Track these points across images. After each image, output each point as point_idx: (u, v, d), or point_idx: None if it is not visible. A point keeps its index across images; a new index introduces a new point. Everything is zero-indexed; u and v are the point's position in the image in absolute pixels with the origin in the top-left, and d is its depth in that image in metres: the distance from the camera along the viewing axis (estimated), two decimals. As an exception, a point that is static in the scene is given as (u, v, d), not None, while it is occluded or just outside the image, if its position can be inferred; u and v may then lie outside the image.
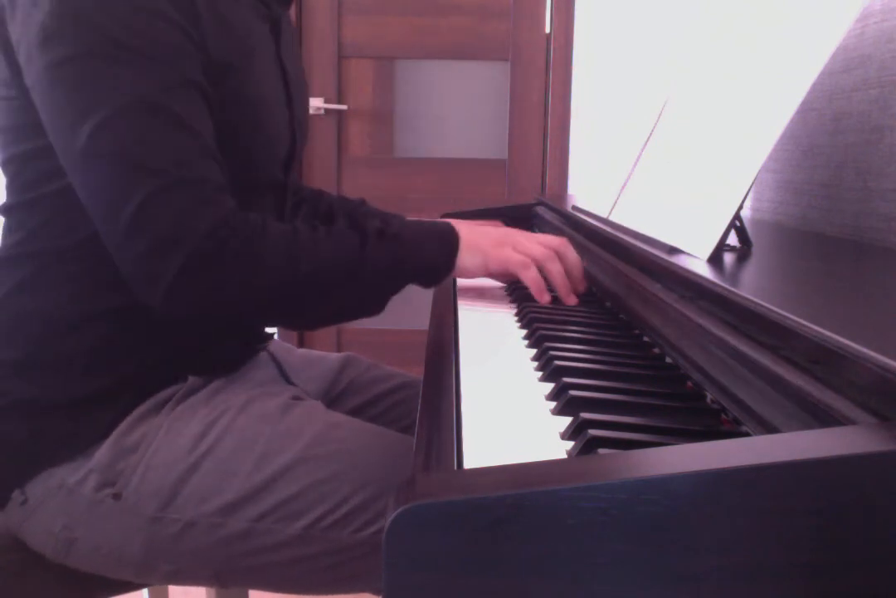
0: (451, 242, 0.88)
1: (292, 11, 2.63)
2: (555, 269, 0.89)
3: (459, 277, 0.90)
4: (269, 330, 1.09)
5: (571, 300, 0.89)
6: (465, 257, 0.88)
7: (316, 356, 1.13)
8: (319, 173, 2.73)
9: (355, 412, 1.07)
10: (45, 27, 0.75)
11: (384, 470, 0.82)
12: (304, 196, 1.22)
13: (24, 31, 0.77)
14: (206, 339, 0.92)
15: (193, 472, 0.82)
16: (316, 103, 2.68)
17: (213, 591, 1.23)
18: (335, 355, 1.14)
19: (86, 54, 0.75)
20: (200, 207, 0.78)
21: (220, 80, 0.83)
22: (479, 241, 0.89)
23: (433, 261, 0.88)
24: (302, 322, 0.88)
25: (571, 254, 0.91)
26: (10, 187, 0.87)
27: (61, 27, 0.75)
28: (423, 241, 0.87)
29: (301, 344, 2.76)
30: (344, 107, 2.71)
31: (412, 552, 0.33)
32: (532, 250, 0.89)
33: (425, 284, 0.90)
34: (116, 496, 0.82)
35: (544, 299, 0.88)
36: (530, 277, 0.88)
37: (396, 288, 0.87)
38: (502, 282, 1.02)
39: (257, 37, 0.92)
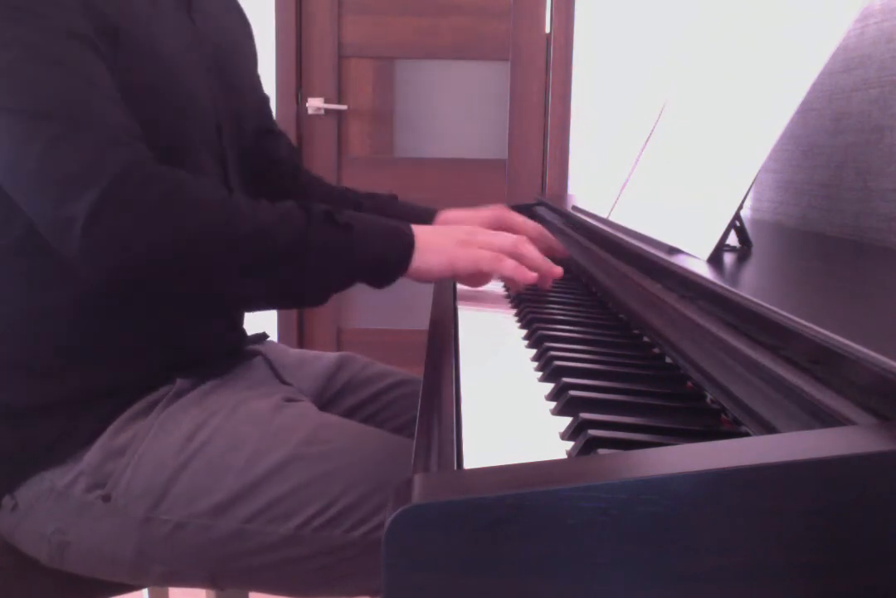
0: (404, 239, 0.85)
1: (292, 11, 2.63)
2: (531, 249, 0.88)
3: (422, 278, 0.86)
4: (261, 331, 1.09)
5: (547, 284, 0.90)
6: (424, 257, 0.85)
7: (311, 356, 1.13)
8: (319, 173, 2.71)
9: (351, 411, 1.07)
10: None
11: (375, 470, 0.82)
12: (326, 195, 1.20)
13: None
14: (179, 329, 0.91)
15: (182, 472, 0.81)
16: (316, 103, 2.68)
17: (212, 592, 1.23)
18: (331, 355, 1.14)
19: None
20: (108, 148, 0.76)
21: (110, 40, 0.81)
22: (440, 241, 0.86)
23: (383, 255, 0.84)
24: (233, 296, 0.84)
25: (531, 246, 0.90)
26: None
27: None
28: (377, 237, 0.84)
29: (301, 344, 2.76)
30: (344, 107, 2.71)
31: (412, 552, 0.33)
32: (500, 242, 0.87)
33: (376, 281, 0.86)
34: (106, 498, 0.81)
35: (530, 277, 0.86)
36: (508, 268, 0.85)
37: (342, 280, 0.84)
38: (470, 286, 1.00)
39: (153, 3, 0.89)
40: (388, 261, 0.85)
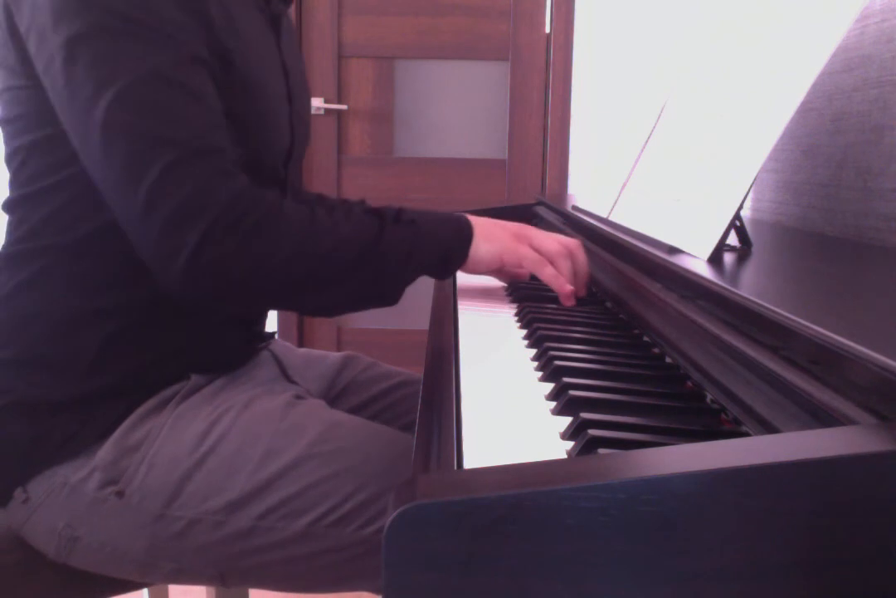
0: (466, 230, 0.88)
1: (292, 11, 2.63)
2: (565, 267, 0.90)
3: (473, 267, 0.89)
4: (269, 330, 1.09)
5: (570, 302, 0.89)
6: (480, 246, 0.88)
7: (317, 356, 1.14)
8: (319, 173, 2.73)
9: (355, 411, 1.07)
10: (55, 8, 0.76)
11: (386, 468, 0.82)
12: (303, 200, 1.22)
13: (32, 17, 0.78)
14: (208, 337, 0.92)
15: (196, 470, 0.82)
16: (316, 103, 2.68)
17: (213, 590, 1.23)
18: (336, 355, 1.14)
19: (99, 30, 0.75)
20: (221, 177, 0.77)
21: (222, 66, 0.83)
22: (495, 231, 0.90)
23: (448, 248, 0.88)
24: (319, 305, 0.87)
25: (582, 256, 0.92)
26: (14, 181, 0.87)
27: (72, 6, 0.75)
28: (439, 228, 0.87)
29: (301, 344, 2.76)
30: (344, 107, 2.71)
31: (412, 551, 0.33)
32: (548, 246, 0.90)
33: (440, 272, 0.89)
34: (119, 494, 0.82)
35: (566, 289, 0.89)
36: (548, 274, 0.89)
37: (412, 276, 0.86)
38: (504, 281, 1.02)
39: (257, 29, 0.92)
40: (452, 251, 0.88)
